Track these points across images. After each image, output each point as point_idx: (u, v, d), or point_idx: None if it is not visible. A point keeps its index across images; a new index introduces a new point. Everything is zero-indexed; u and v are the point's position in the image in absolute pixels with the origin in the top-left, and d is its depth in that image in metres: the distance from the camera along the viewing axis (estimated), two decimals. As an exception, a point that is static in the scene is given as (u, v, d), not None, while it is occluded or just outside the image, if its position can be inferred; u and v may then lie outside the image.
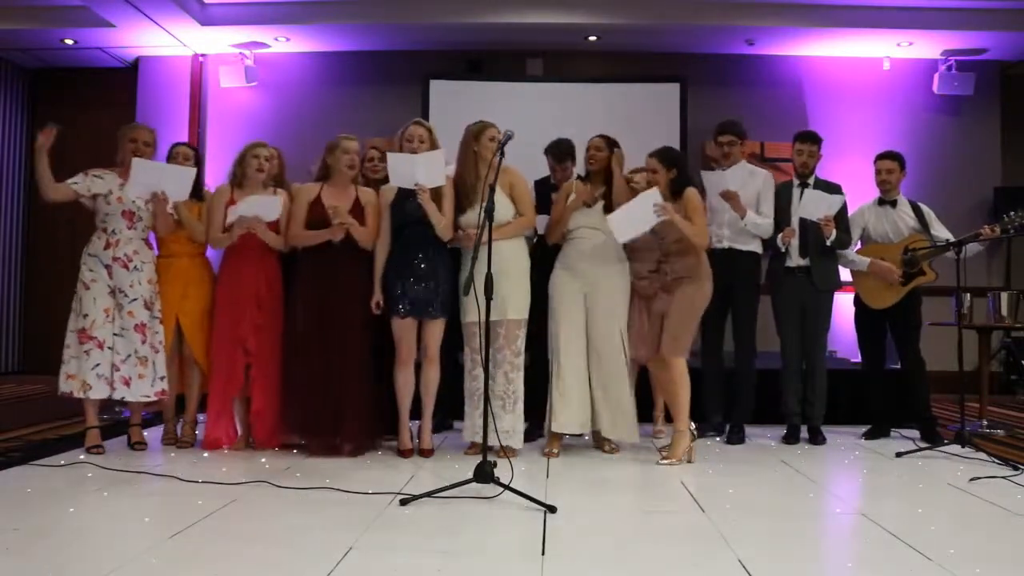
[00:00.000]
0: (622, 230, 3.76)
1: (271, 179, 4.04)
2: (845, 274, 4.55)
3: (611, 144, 4.02)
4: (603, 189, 3.96)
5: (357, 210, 3.81)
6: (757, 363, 4.48)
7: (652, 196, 3.72)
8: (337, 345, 3.75)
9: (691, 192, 3.90)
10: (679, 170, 3.90)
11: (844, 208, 4.40)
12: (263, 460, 3.65)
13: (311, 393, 3.75)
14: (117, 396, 3.74)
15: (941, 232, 4.42)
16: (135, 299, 3.77)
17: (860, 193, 4.67)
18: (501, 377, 3.77)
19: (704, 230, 3.88)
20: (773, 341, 4.53)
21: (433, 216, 3.69)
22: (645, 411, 4.18)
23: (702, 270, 3.88)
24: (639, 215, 3.72)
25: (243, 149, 3.96)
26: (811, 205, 4.24)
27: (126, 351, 3.74)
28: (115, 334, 3.74)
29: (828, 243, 4.27)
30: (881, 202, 4.53)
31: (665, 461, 3.73)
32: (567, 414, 3.90)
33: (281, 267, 3.98)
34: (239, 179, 3.93)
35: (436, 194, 3.70)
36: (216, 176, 4.29)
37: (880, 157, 4.53)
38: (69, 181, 3.77)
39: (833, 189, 4.40)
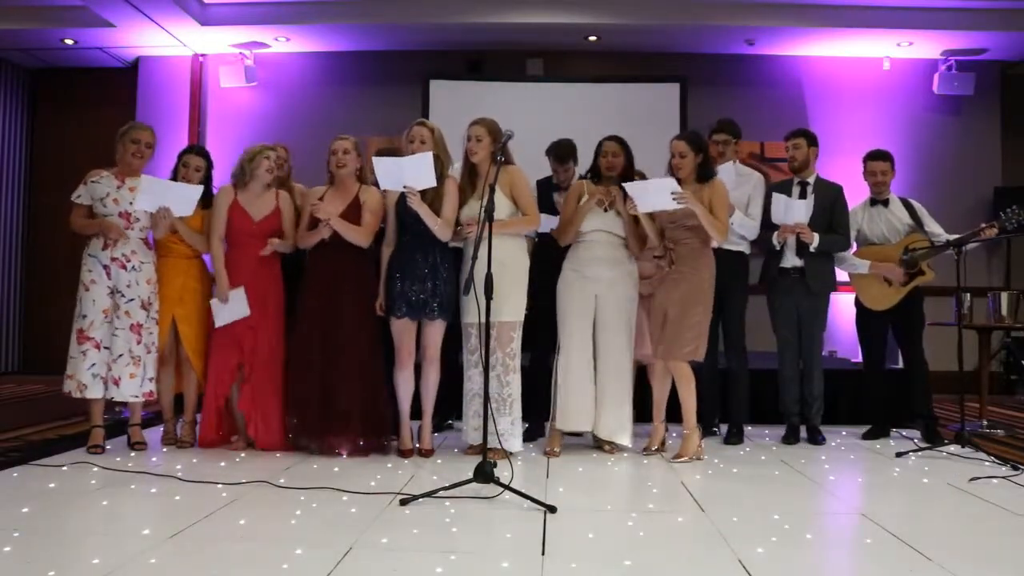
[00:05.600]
0: (640, 201, 3.77)
1: (276, 181, 4.05)
2: (841, 275, 4.54)
3: (626, 148, 3.98)
4: (618, 192, 3.93)
5: (354, 209, 3.80)
6: (757, 363, 4.47)
7: (670, 184, 3.74)
8: (338, 346, 3.74)
9: (720, 182, 3.92)
10: (705, 155, 3.92)
11: (844, 209, 4.39)
12: (263, 460, 3.65)
13: (312, 394, 3.75)
14: (109, 396, 3.76)
15: (935, 228, 4.40)
16: (132, 299, 3.77)
17: (861, 193, 4.66)
18: (494, 380, 3.74)
19: (725, 224, 3.87)
20: (772, 341, 4.52)
21: (427, 218, 3.66)
22: (644, 411, 4.18)
23: (703, 263, 3.87)
24: (655, 195, 3.74)
25: (253, 149, 3.94)
26: (780, 210, 4.24)
27: (119, 351, 3.74)
28: (112, 334, 3.75)
29: (812, 249, 4.24)
30: (873, 202, 4.52)
31: (678, 459, 3.77)
32: (571, 412, 3.90)
33: (282, 269, 3.97)
34: (246, 179, 3.90)
35: (436, 194, 3.70)
36: (216, 178, 4.28)
37: (873, 158, 4.49)
38: (74, 198, 3.81)
39: (834, 190, 4.40)
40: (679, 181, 3.89)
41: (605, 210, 3.92)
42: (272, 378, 3.86)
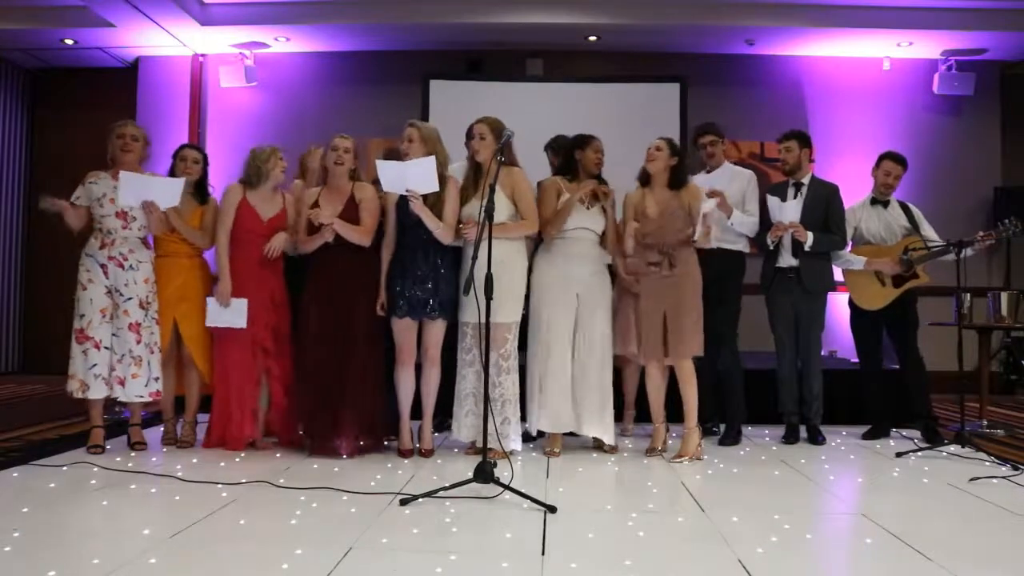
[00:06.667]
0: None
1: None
2: (838, 274, 4.54)
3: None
4: (601, 189, 3.96)
5: (351, 208, 3.81)
6: (756, 363, 4.46)
7: (708, 203, 3.89)
8: (342, 346, 3.74)
9: (695, 186, 3.99)
10: (680, 160, 3.96)
11: (840, 208, 4.40)
12: (263, 460, 3.65)
13: (313, 394, 3.75)
14: (114, 396, 3.77)
15: (930, 233, 4.44)
16: (130, 298, 3.77)
17: (862, 194, 4.66)
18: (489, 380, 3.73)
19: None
20: (771, 340, 4.52)
21: (428, 221, 3.67)
22: (645, 411, 4.17)
23: (692, 263, 3.95)
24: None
25: (266, 150, 3.93)
26: (775, 209, 4.30)
27: (121, 351, 3.75)
28: (112, 334, 3.75)
29: (806, 248, 4.25)
30: (874, 202, 4.53)
31: (678, 460, 3.77)
32: (558, 412, 3.88)
33: (284, 268, 3.99)
34: (260, 180, 3.90)
35: (437, 197, 3.69)
36: (216, 177, 4.28)
37: (892, 159, 4.49)
38: (74, 199, 3.81)
39: (829, 189, 4.41)
40: (650, 175, 3.96)
41: (588, 207, 3.92)
42: (290, 376, 3.89)
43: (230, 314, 3.81)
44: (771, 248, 4.37)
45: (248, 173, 3.92)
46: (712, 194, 4.14)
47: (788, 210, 4.25)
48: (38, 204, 3.71)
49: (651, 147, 3.96)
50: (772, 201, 4.31)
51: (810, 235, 4.23)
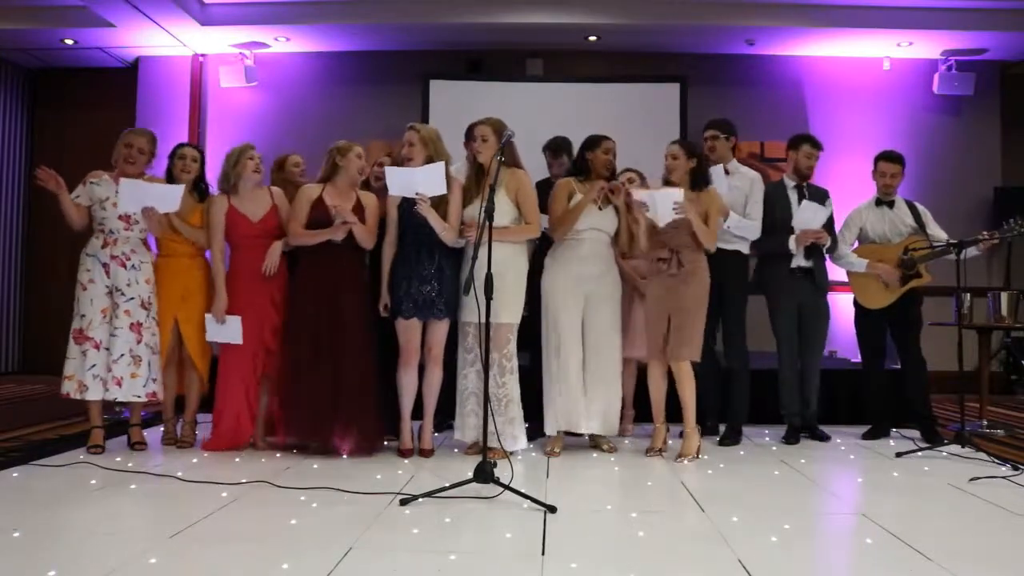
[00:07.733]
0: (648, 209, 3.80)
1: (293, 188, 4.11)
2: (837, 274, 4.54)
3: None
4: (619, 187, 3.97)
5: (358, 212, 3.82)
6: (755, 363, 4.46)
7: (674, 194, 3.72)
8: (339, 345, 3.74)
9: (715, 191, 3.97)
10: (700, 162, 3.94)
11: (831, 214, 4.43)
12: (263, 460, 3.65)
13: (313, 393, 3.74)
14: (110, 397, 3.75)
15: (937, 232, 4.43)
16: (132, 298, 3.77)
17: (861, 194, 4.67)
18: (491, 380, 3.71)
19: (715, 233, 3.94)
20: (770, 340, 4.52)
21: (435, 224, 3.68)
22: (645, 411, 4.17)
23: (702, 266, 3.92)
24: (660, 205, 3.74)
25: (235, 151, 3.93)
26: (810, 214, 4.27)
27: (119, 351, 3.73)
28: (110, 334, 3.74)
29: (825, 251, 4.36)
30: (879, 202, 4.53)
31: (682, 459, 3.78)
32: (571, 412, 3.89)
33: (287, 268, 3.98)
34: (233, 183, 3.90)
35: (440, 199, 3.70)
36: (215, 176, 4.28)
37: (885, 159, 4.49)
38: (74, 197, 3.80)
39: (822, 195, 4.43)
40: (672, 184, 3.92)
41: (600, 208, 3.92)
42: (282, 377, 3.88)
43: (227, 331, 3.82)
44: (793, 253, 4.33)
45: (220, 181, 3.92)
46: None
47: (821, 216, 4.27)
48: (36, 176, 3.69)
49: (667, 155, 3.93)
50: (808, 206, 4.27)
51: (829, 239, 4.32)
